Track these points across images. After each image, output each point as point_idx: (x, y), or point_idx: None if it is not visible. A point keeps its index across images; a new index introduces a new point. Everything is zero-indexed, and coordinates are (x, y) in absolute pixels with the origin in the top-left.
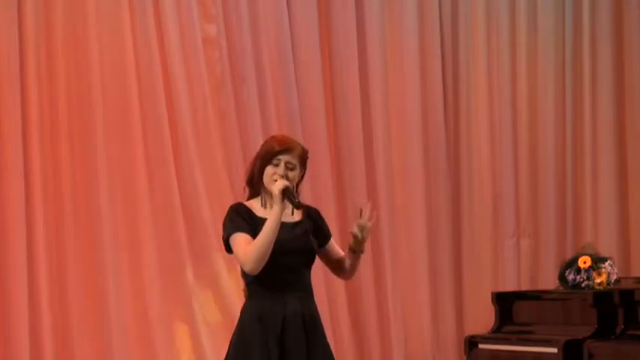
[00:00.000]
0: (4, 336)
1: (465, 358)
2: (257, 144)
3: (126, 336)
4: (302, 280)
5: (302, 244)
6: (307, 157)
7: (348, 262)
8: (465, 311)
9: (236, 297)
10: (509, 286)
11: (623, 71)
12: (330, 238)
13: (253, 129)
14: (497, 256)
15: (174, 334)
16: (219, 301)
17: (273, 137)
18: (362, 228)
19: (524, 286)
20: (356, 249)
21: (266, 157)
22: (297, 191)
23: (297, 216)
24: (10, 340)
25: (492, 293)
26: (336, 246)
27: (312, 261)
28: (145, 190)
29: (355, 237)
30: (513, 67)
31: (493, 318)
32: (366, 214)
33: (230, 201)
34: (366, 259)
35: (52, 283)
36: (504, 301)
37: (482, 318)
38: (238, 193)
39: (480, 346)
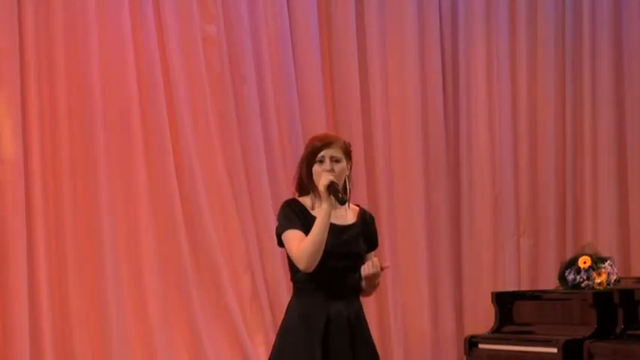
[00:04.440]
0: (4, 336)
1: (465, 358)
2: (257, 144)
3: (126, 336)
4: (348, 282)
5: (349, 248)
6: (351, 150)
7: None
8: (465, 311)
9: (236, 296)
10: (509, 286)
11: (623, 71)
12: (372, 251)
13: (253, 129)
14: (497, 256)
15: (174, 334)
16: (220, 301)
17: (313, 137)
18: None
19: (524, 286)
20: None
21: (310, 156)
22: (348, 185)
23: (350, 218)
24: (10, 340)
25: (492, 293)
26: None
27: (360, 263)
28: (145, 190)
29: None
30: (513, 66)
31: (493, 318)
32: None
33: (230, 201)
34: None
35: (52, 284)
36: (504, 301)
37: (482, 318)
38: (238, 192)
39: (480, 346)
